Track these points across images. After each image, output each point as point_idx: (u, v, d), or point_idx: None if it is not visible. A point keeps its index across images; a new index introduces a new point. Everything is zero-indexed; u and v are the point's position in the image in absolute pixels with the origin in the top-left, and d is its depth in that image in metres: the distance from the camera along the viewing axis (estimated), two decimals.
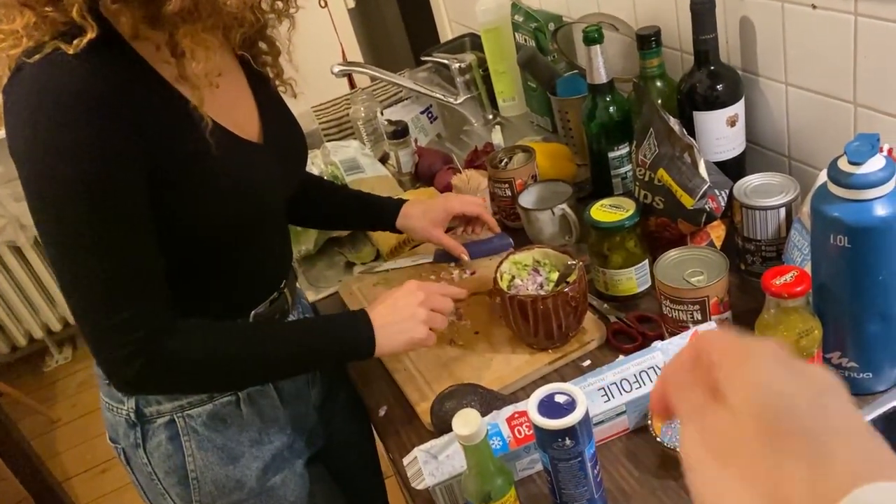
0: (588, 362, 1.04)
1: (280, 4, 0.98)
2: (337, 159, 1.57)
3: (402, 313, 0.96)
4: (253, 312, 1.03)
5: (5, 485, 2.34)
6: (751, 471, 0.33)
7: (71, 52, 0.76)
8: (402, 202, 1.24)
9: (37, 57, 0.77)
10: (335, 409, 1.21)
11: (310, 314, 1.21)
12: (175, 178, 0.85)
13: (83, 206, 0.78)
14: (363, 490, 1.34)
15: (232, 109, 0.94)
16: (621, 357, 0.93)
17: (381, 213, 1.25)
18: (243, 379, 0.98)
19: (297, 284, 1.40)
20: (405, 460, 0.90)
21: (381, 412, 1.07)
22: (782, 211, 1.01)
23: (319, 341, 0.96)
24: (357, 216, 1.28)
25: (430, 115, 1.88)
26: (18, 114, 0.78)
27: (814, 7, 0.98)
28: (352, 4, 2.47)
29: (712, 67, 1.11)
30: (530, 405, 0.77)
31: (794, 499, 0.31)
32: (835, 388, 0.35)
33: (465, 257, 1.23)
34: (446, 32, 2.28)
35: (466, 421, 0.75)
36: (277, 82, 1.06)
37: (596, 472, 0.79)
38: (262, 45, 1.03)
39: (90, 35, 0.77)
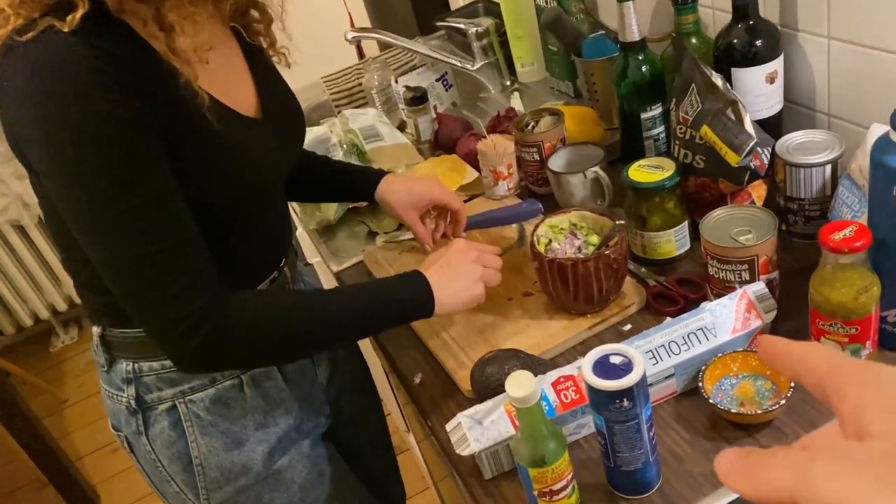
0: (629, 326, 1.01)
1: None
2: (356, 127, 1.54)
3: (458, 271, 0.96)
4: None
5: (18, 465, 2.32)
6: None
7: (66, 29, 0.73)
8: (383, 173, 1.20)
9: (30, 35, 0.73)
10: (343, 384, 1.19)
11: None
12: (175, 153, 0.82)
13: (112, 182, 0.75)
14: (374, 466, 1.32)
15: (227, 85, 0.91)
16: (669, 319, 0.91)
17: (359, 181, 1.20)
18: (306, 347, 0.96)
19: (321, 254, 1.37)
20: (448, 427, 0.88)
21: (417, 380, 1.04)
22: (827, 168, 0.98)
23: (381, 304, 0.94)
24: (335, 186, 1.23)
25: (445, 83, 1.84)
26: (18, 95, 0.74)
27: None
28: None
29: (751, 22, 1.08)
30: (585, 366, 0.74)
31: None
32: None
33: (428, 248, 1.18)
34: None
35: (520, 383, 0.72)
36: (271, 52, 1.02)
37: (651, 434, 0.77)
38: (254, 13, 0.99)
39: (82, 10, 0.74)
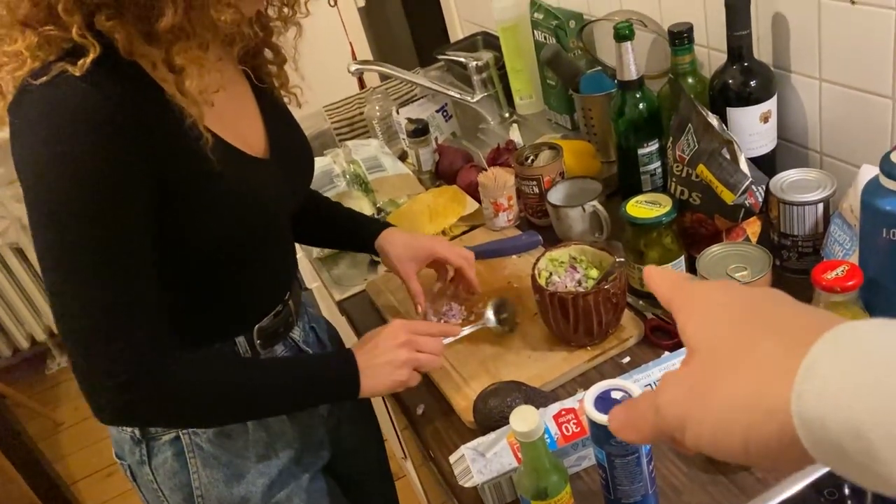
0: (627, 359, 1.04)
1: (287, 11, 0.97)
2: (359, 157, 1.57)
3: (382, 357, 0.96)
4: (257, 326, 1.01)
5: (13, 487, 2.31)
6: (729, 362, 0.35)
7: (77, 73, 0.75)
8: (385, 225, 1.21)
9: (43, 79, 0.76)
10: (342, 416, 1.20)
11: (316, 324, 1.18)
12: (181, 194, 0.84)
13: (87, 231, 0.77)
14: (373, 496, 1.32)
15: (237, 124, 0.93)
16: (666, 353, 0.93)
17: (360, 231, 1.21)
18: (229, 417, 0.96)
19: (322, 284, 1.39)
20: (452, 458, 0.89)
21: (419, 410, 1.06)
22: (820, 206, 1.01)
23: (308, 383, 0.95)
24: (336, 234, 1.25)
25: (445, 114, 1.88)
26: (26, 137, 0.77)
27: (853, 2, 0.98)
28: (362, 3, 2.47)
29: (745, 63, 1.11)
30: (587, 401, 0.76)
31: (770, 360, 0.33)
32: (775, 290, 0.40)
33: (420, 308, 1.16)
34: (457, 31, 2.27)
35: (524, 417, 0.74)
36: (282, 92, 1.05)
37: (650, 468, 0.79)
38: (268, 54, 1.02)
39: (93, 54, 0.76)
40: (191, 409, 0.89)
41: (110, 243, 0.78)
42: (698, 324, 0.39)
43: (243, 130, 0.94)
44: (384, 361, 0.96)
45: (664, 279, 0.45)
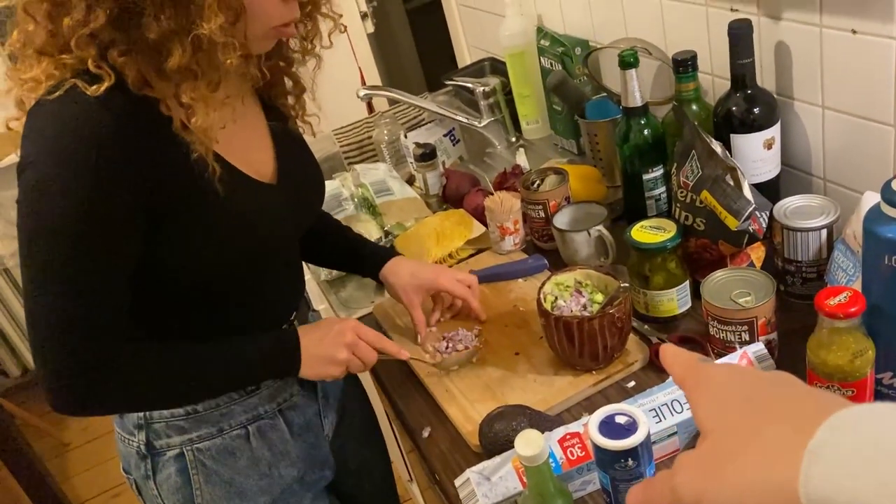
0: (632, 383, 1.04)
1: (308, 44, 1.00)
2: (367, 181, 1.59)
3: (326, 350, 1.00)
4: None
5: None
6: (738, 448, 0.37)
7: (89, 93, 0.78)
8: (392, 254, 1.22)
9: (57, 93, 0.79)
10: (349, 435, 1.21)
11: None
12: (183, 215, 0.87)
13: (68, 237, 0.79)
14: None
15: (246, 149, 0.96)
16: (671, 378, 0.94)
17: (367, 259, 1.23)
18: (176, 400, 0.98)
19: (329, 306, 1.41)
20: (457, 482, 0.90)
21: (425, 433, 1.07)
22: (823, 232, 1.02)
23: (252, 362, 0.97)
24: (343, 258, 1.27)
25: (452, 138, 1.90)
26: (32, 144, 0.80)
27: (854, 32, 0.99)
28: (371, 29, 2.50)
29: (749, 91, 1.13)
30: (591, 426, 0.77)
31: (778, 443, 0.35)
32: (783, 374, 0.42)
33: (420, 338, 1.19)
34: (464, 57, 2.31)
35: (528, 441, 0.75)
36: (298, 121, 1.07)
37: None
38: (286, 85, 1.04)
39: (108, 83, 0.79)
40: (139, 398, 0.91)
41: (85, 252, 0.80)
42: (709, 406, 0.42)
43: (252, 156, 0.97)
44: (324, 354, 0.99)
45: (677, 358, 0.48)
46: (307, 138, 1.10)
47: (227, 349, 0.96)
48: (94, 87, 0.79)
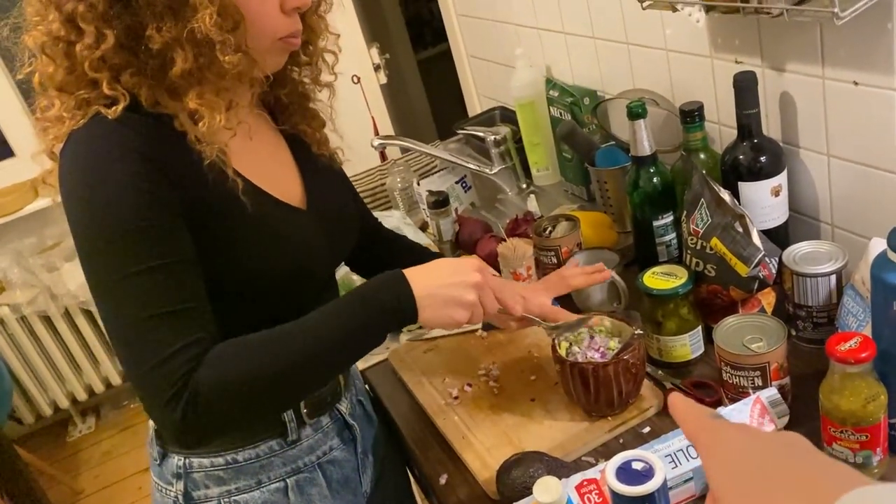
0: (648, 429, 1.05)
1: (314, 71, 1.03)
2: None
3: (450, 290, 0.91)
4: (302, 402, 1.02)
5: None
6: None
7: (111, 116, 0.83)
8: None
9: (81, 122, 0.84)
10: (386, 495, 1.19)
11: (363, 398, 1.18)
12: (214, 231, 0.88)
13: (127, 247, 0.81)
14: None
15: (274, 176, 0.98)
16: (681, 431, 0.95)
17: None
18: (287, 388, 0.88)
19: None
20: None
21: (442, 480, 1.07)
22: (833, 278, 1.03)
23: (362, 321, 0.89)
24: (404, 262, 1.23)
25: (464, 185, 1.93)
26: (69, 174, 0.84)
27: (855, 84, 1.03)
28: (384, 80, 2.57)
29: (755, 140, 1.16)
30: (609, 472, 0.78)
31: None
32: (798, 439, 0.41)
33: (520, 312, 1.03)
34: (475, 106, 2.36)
35: (547, 488, 0.76)
36: (323, 151, 1.09)
37: None
38: (307, 117, 1.07)
39: (123, 102, 0.84)
40: (248, 398, 0.84)
41: (148, 259, 0.81)
42: (722, 472, 0.42)
43: (279, 181, 0.99)
44: (450, 295, 0.91)
45: (689, 414, 0.48)
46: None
47: (328, 309, 0.89)
48: (112, 109, 0.83)
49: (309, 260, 0.99)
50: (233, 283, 0.92)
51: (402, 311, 0.90)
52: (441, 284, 0.91)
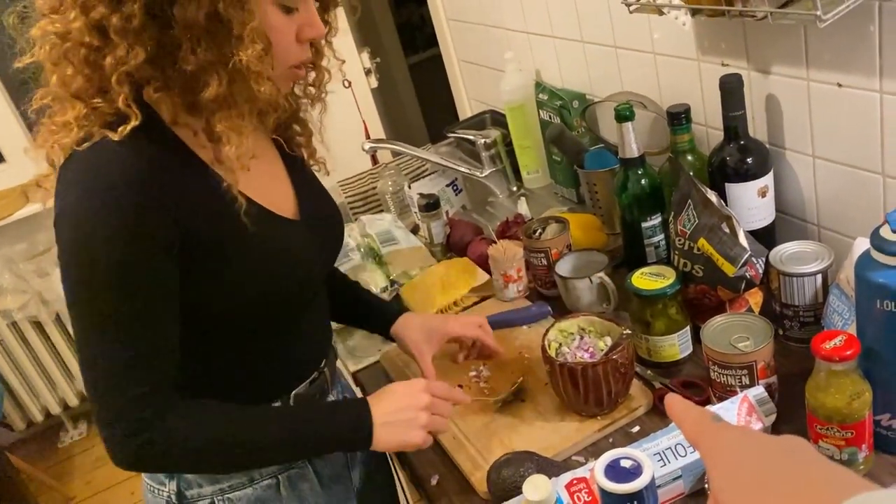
0: (637, 428, 1.06)
1: (313, 90, 1.05)
2: (373, 232, 1.63)
3: (403, 415, 0.97)
4: (293, 392, 1.04)
5: None
6: None
7: (116, 138, 0.82)
8: (402, 311, 1.24)
9: (86, 145, 0.83)
10: (375, 490, 1.21)
11: (349, 393, 1.22)
12: (213, 256, 0.89)
13: (116, 288, 0.82)
14: None
15: (268, 189, 0.99)
16: (680, 432, 0.96)
17: (377, 316, 1.25)
18: (237, 463, 0.97)
19: (338, 360, 1.43)
20: None
21: (434, 481, 1.08)
22: (818, 277, 1.05)
23: (319, 432, 0.96)
24: (355, 315, 1.28)
25: (455, 188, 1.94)
26: (66, 198, 0.83)
27: (839, 86, 1.04)
28: (375, 84, 2.58)
29: (741, 142, 1.17)
30: (597, 470, 0.79)
31: None
32: (799, 443, 0.41)
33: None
34: (465, 109, 2.37)
35: (536, 487, 0.77)
36: (311, 162, 1.11)
37: None
38: (296, 128, 1.09)
39: (133, 122, 0.83)
40: (198, 457, 0.91)
41: (133, 300, 0.83)
42: (723, 476, 0.42)
43: (273, 193, 1.00)
44: (404, 419, 0.97)
45: (687, 415, 0.48)
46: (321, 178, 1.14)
47: (288, 416, 0.97)
48: (120, 128, 0.82)
49: (303, 271, 1.00)
50: (231, 305, 0.93)
51: (360, 440, 0.97)
52: (396, 410, 0.98)
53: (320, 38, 0.94)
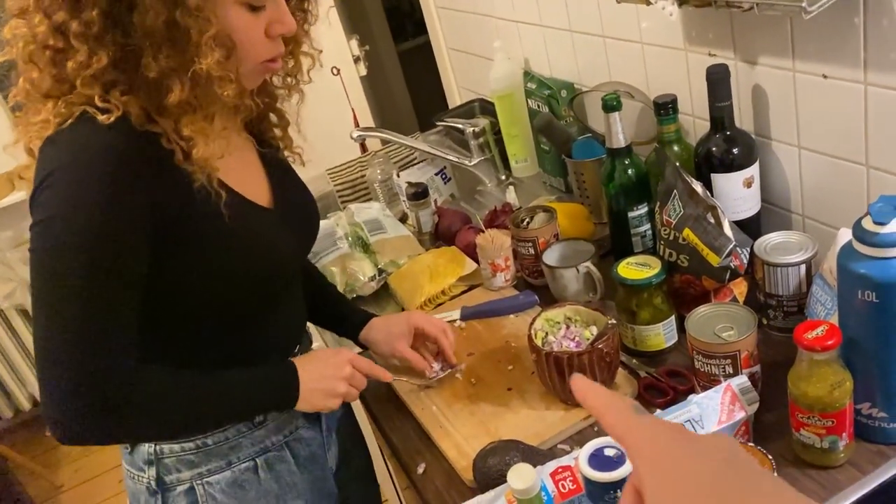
0: None
1: (290, 80, 1.05)
2: (361, 220, 1.62)
3: (324, 384, 1.03)
4: None
5: None
6: None
7: (100, 119, 0.82)
8: (368, 318, 1.25)
9: (69, 122, 0.83)
10: (350, 474, 1.23)
11: None
12: (187, 239, 0.90)
13: (84, 258, 0.81)
14: None
15: (242, 177, 0.99)
16: (658, 411, 0.96)
17: (346, 322, 1.26)
18: (179, 432, 0.99)
19: (325, 342, 1.43)
20: None
21: (420, 469, 1.09)
22: (802, 267, 1.06)
23: (252, 398, 0.99)
24: (325, 317, 1.30)
25: (443, 177, 1.94)
26: (47, 169, 0.83)
27: (825, 77, 1.05)
28: (364, 72, 2.57)
29: (728, 132, 1.17)
30: (581, 458, 0.79)
31: None
32: (727, 441, 0.39)
33: (430, 371, 1.21)
34: (454, 98, 2.36)
35: (521, 475, 0.78)
36: (287, 152, 1.11)
37: None
38: (273, 118, 1.09)
39: (116, 113, 0.83)
40: (146, 427, 0.92)
41: (99, 272, 0.82)
42: (660, 483, 0.38)
43: (247, 182, 1.00)
44: (324, 388, 1.03)
45: (607, 406, 0.44)
46: (300, 173, 1.14)
47: (228, 380, 0.98)
48: (105, 116, 0.83)
49: (278, 260, 1.02)
50: (206, 292, 0.94)
51: (286, 403, 1.02)
52: (320, 377, 1.03)
53: (290, 34, 0.94)
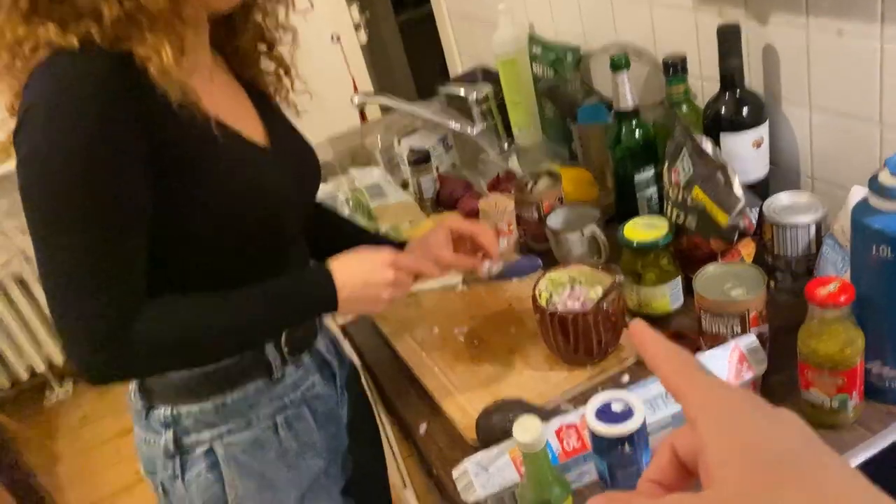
0: (627, 378, 1.05)
1: (279, 12, 1.02)
2: (362, 185, 1.60)
3: (369, 292, 0.98)
4: (285, 333, 1.03)
5: None
6: None
7: (75, 46, 0.78)
8: (403, 242, 1.19)
9: (44, 57, 0.79)
10: (361, 432, 1.22)
11: (334, 337, 1.21)
12: (184, 170, 0.86)
13: (79, 184, 0.78)
14: None
15: (236, 115, 0.96)
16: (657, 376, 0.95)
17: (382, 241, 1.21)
18: (209, 356, 0.97)
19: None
20: (455, 473, 0.90)
21: (422, 430, 1.07)
22: (812, 228, 1.04)
23: (288, 310, 0.97)
24: (348, 246, 1.21)
25: (445, 145, 1.92)
26: (29, 100, 0.79)
27: (840, 33, 1.02)
28: (364, 40, 2.53)
29: (737, 92, 1.15)
30: (588, 412, 0.78)
31: None
32: (807, 430, 0.35)
33: (482, 272, 1.11)
34: (456, 65, 2.33)
35: (527, 427, 0.76)
36: (278, 99, 1.07)
37: None
38: (268, 66, 1.05)
39: (80, 38, 0.79)
40: (170, 356, 0.90)
41: (97, 199, 0.79)
42: (727, 450, 0.35)
43: (242, 121, 0.96)
44: (369, 296, 0.99)
45: (667, 358, 0.39)
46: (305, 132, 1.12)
47: (255, 290, 0.94)
48: (69, 45, 0.79)
49: (277, 203, 0.97)
50: (203, 231, 0.90)
51: (325, 306, 0.99)
52: (361, 284, 0.98)
53: None
